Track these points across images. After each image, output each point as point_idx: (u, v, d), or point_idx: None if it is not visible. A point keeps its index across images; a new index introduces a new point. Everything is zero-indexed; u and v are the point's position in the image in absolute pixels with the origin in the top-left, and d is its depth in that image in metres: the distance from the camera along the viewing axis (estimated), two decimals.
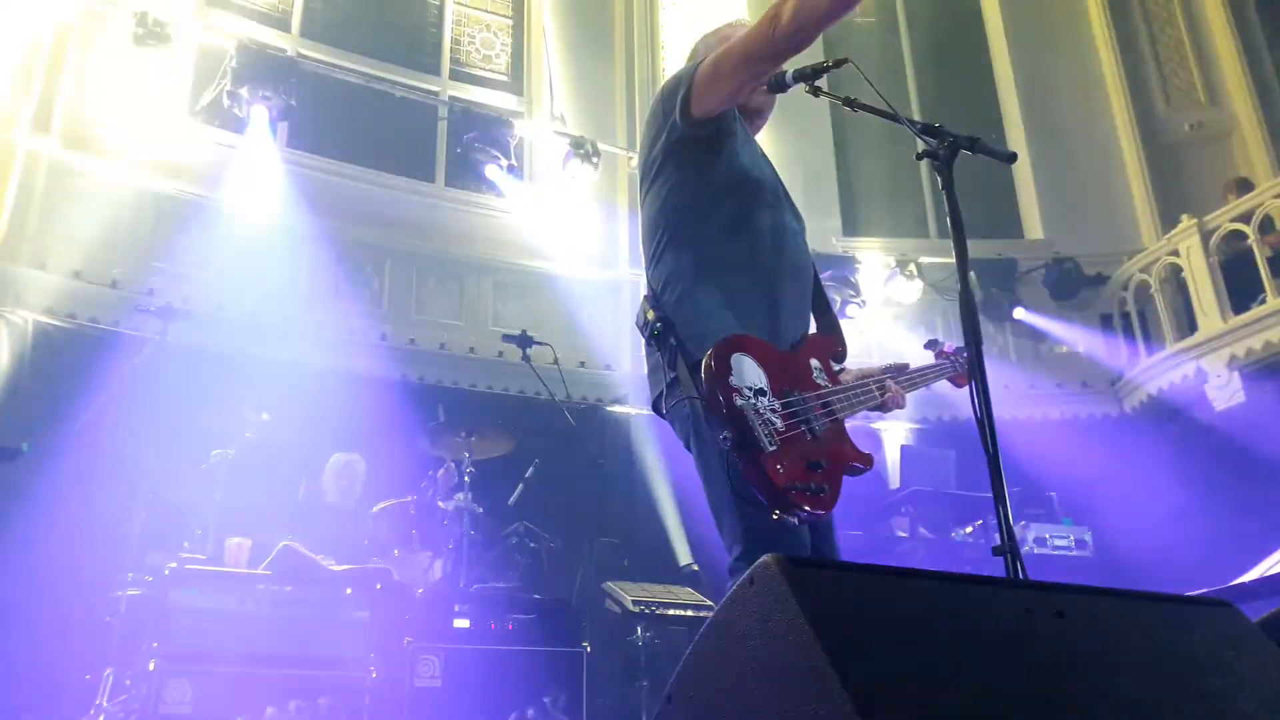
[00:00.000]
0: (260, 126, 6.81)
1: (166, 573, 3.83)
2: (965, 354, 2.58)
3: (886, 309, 8.17)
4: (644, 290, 2.29)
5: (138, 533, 4.33)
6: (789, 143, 7.47)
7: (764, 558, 1.29)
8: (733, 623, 1.35)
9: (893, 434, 7.58)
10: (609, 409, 7.57)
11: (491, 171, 7.56)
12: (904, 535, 5.69)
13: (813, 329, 2.35)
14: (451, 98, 8.35)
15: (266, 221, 6.65)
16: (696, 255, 2.16)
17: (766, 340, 2.06)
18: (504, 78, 8.78)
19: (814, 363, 2.17)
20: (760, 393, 1.93)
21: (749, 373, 1.95)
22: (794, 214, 2.33)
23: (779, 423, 1.92)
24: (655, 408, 2.22)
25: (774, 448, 1.88)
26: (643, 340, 2.22)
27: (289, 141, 7.27)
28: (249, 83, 6.77)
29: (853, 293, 8.01)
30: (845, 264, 8.15)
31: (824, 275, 7.96)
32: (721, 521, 2.08)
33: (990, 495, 1.94)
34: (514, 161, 7.75)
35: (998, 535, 1.98)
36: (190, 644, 3.68)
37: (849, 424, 2.16)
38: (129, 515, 4.42)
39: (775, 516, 1.89)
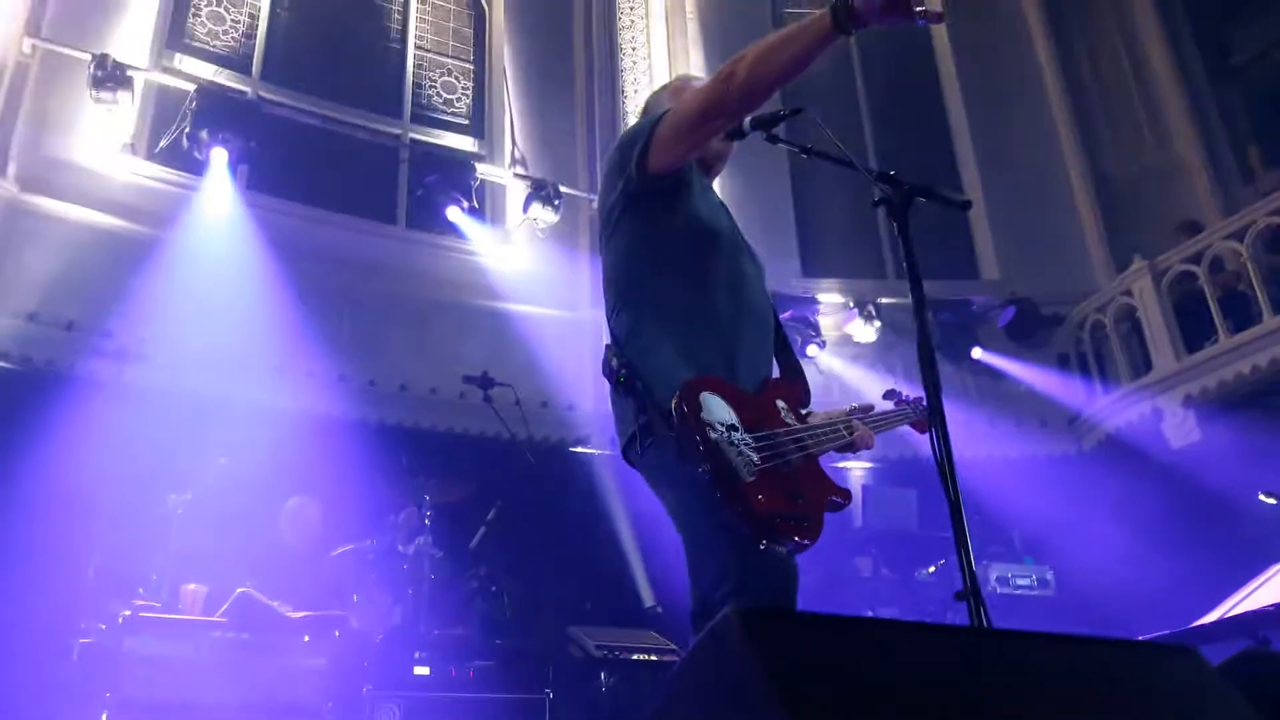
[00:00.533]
0: (220, 168, 6.77)
1: (120, 620, 3.73)
2: (924, 403, 2.62)
3: (845, 349, 8.25)
4: (605, 337, 2.29)
5: (92, 578, 4.23)
6: (748, 185, 7.55)
7: (726, 610, 1.28)
8: (697, 674, 1.34)
9: (853, 473, 7.61)
10: (572, 449, 7.53)
11: (453, 213, 7.58)
12: (867, 576, 5.69)
13: (775, 373, 2.37)
14: (413, 140, 8.37)
15: (226, 263, 6.58)
16: (656, 307, 2.17)
17: (729, 382, 2.07)
18: (464, 121, 8.82)
19: (780, 403, 2.18)
20: (733, 428, 1.95)
21: (718, 410, 1.96)
22: (751, 259, 2.35)
23: (755, 456, 1.93)
24: (625, 455, 2.21)
25: (753, 479, 1.89)
26: (608, 386, 2.20)
27: (249, 183, 7.23)
28: (209, 125, 6.74)
29: (812, 332, 8.08)
30: (804, 304, 8.23)
31: (783, 315, 8.06)
32: (704, 561, 2.06)
33: (952, 536, 1.94)
34: (475, 204, 7.78)
35: (960, 576, 1.97)
36: (144, 693, 3.58)
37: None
38: (83, 560, 4.31)
39: (763, 546, 1.89)
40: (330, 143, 7.91)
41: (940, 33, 9.97)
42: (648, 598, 6.71)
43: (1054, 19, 9.76)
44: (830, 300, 8.49)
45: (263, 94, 7.75)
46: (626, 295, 2.22)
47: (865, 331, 8.23)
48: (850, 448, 2.35)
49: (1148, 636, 2.59)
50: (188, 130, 6.76)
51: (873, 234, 9.27)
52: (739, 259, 2.28)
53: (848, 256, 9.17)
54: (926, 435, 2.53)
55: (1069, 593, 5.91)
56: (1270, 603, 2.24)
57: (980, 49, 9.84)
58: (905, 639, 1.32)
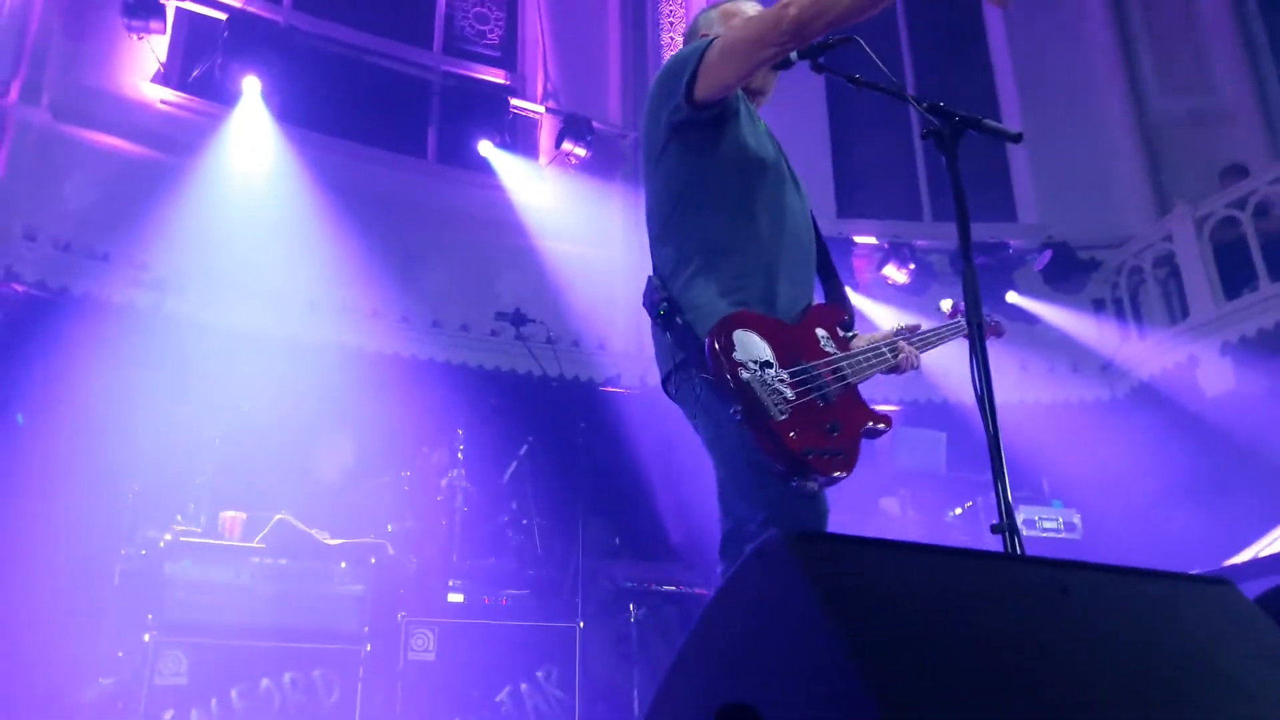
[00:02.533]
0: (252, 98, 6.74)
1: (161, 545, 3.83)
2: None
3: (879, 290, 8.18)
4: (648, 269, 2.29)
5: (131, 505, 4.33)
6: (784, 121, 7.37)
7: (770, 531, 1.30)
8: (740, 594, 1.36)
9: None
10: (602, 388, 7.57)
11: (484, 148, 7.52)
12: (895, 516, 5.72)
13: (819, 299, 2.36)
14: (444, 72, 8.29)
15: (260, 196, 6.60)
16: (699, 238, 2.16)
17: (769, 315, 2.09)
18: (497, 53, 8.71)
19: (820, 332, 2.18)
20: (766, 365, 1.96)
21: (753, 347, 1.98)
22: (796, 189, 2.33)
23: (788, 392, 1.95)
24: (664, 388, 2.23)
25: (785, 416, 1.91)
26: (648, 320, 2.22)
27: (281, 114, 7.20)
28: (241, 54, 6.70)
29: (847, 274, 8.03)
30: (839, 245, 8.15)
31: None
32: (737, 494, 2.11)
33: (980, 478, 1.96)
34: (507, 138, 7.71)
35: (988, 517, 1.98)
36: (185, 616, 3.69)
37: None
38: (123, 488, 4.41)
39: (794, 484, 1.92)
40: (362, 74, 7.85)
41: None
42: (676, 536, 6.79)
43: None
44: (865, 241, 8.40)
45: (295, 23, 7.69)
46: (670, 227, 2.22)
47: (899, 274, 8.16)
48: (896, 369, 2.35)
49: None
50: (220, 60, 6.73)
51: (910, 175, 9.13)
52: (783, 190, 2.26)
53: (884, 197, 9.03)
54: (954, 371, 2.53)
55: (1096, 537, 5.91)
56: None
57: None
58: (948, 563, 1.33)
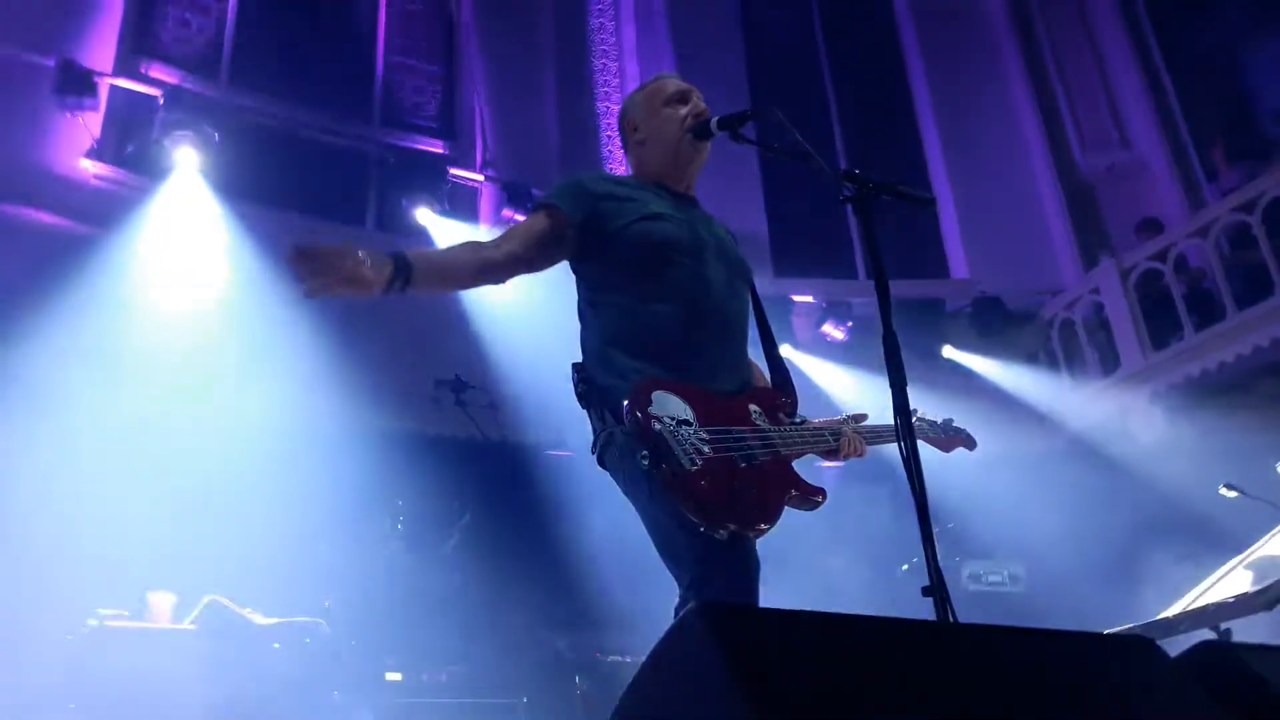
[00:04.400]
0: (188, 173, 6.69)
1: (85, 630, 3.68)
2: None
3: (818, 349, 8.28)
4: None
5: (56, 586, 4.17)
6: (719, 187, 7.50)
7: (691, 604, 1.29)
8: (662, 667, 1.34)
9: (828, 470, 7.63)
10: (548, 452, 7.50)
11: (422, 215, 7.52)
12: (842, 573, 5.72)
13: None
14: (383, 143, 8.32)
15: (196, 269, 6.51)
16: (610, 323, 2.25)
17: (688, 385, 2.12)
18: (435, 124, 8.78)
19: (753, 407, 2.21)
20: (684, 423, 1.99)
21: (671, 405, 2.02)
22: (723, 263, 2.36)
23: (705, 448, 1.97)
24: (600, 463, 2.26)
25: (695, 467, 1.92)
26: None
27: (218, 187, 7.14)
28: (176, 129, 6.66)
29: (785, 333, 8.12)
30: (778, 304, 8.27)
31: None
32: (666, 554, 2.10)
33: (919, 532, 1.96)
34: (446, 206, 7.73)
35: (927, 573, 1.98)
36: (110, 705, 3.53)
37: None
38: (49, 568, 4.25)
39: (701, 531, 1.91)
40: (299, 146, 7.85)
41: (909, 34, 10.07)
42: (625, 602, 6.69)
43: (1020, 21, 9.86)
44: (803, 300, 8.51)
45: (232, 98, 7.68)
46: (585, 318, 2.34)
47: (837, 332, 8.28)
48: (835, 453, 2.36)
49: (1114, 630, 2.62)
50: (155, 135, 6.68)
51: (845, 235, 9.32)
52: (701, 266, 2.30)
53: (820, 257, 9.21)
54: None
55: (1040, 588, 5.96)
56: (1229, 596, 2.27)
57: (948, 50, 9.93)
58: (867, 632, 1.33)
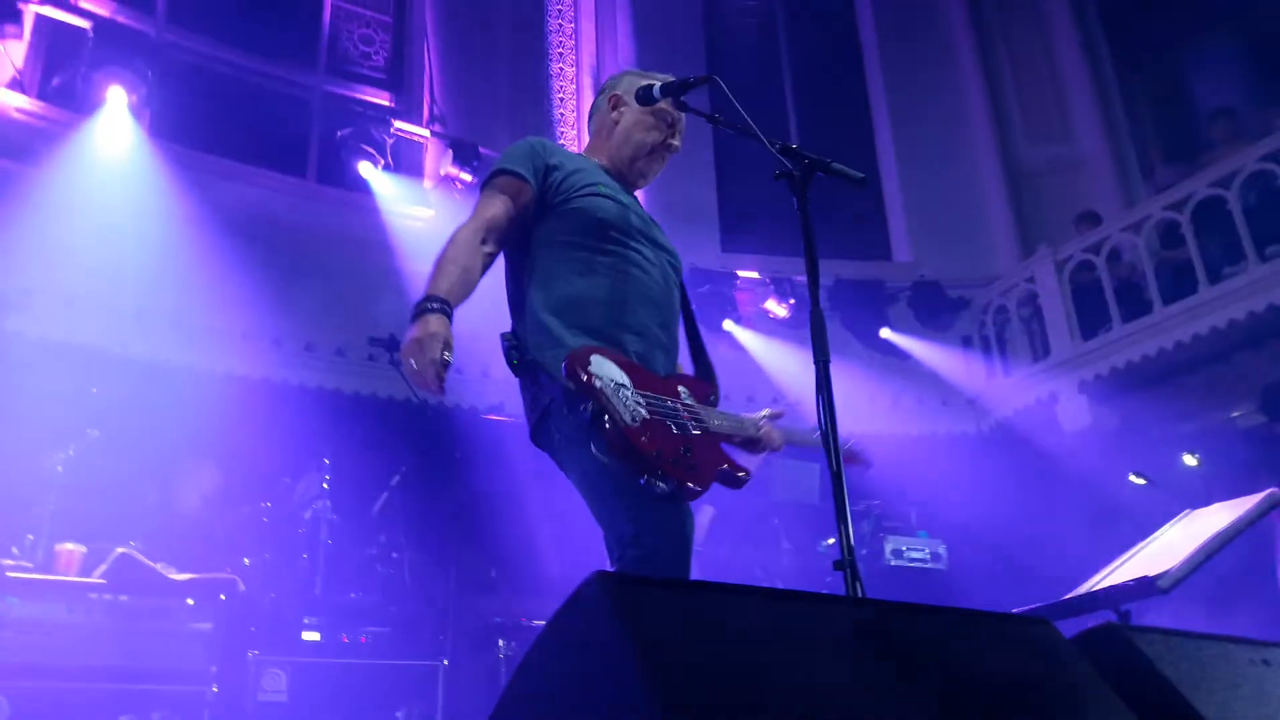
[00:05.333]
0: (118, 110, 6.45)
1: None
2: (852, 444, 2.69)
3: (761, 324, 8.32)
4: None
5: None
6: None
7: (591, 575, 1.28)
8: (560, 637, 1.33)
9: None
10: (485, 416, 7.44)
11: (365, 168, 7.36)
12: (770, 546, 5.79)
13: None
14: (326, 92, 8.11)
15: (122, 211, 6.28)
16: (550, 293, 2.24)
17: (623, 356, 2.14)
18: (382, 75, 8.58)
19: (682, 389, 2.25)
20: (622, 386, 2.02)
21: (609, 369, 2.04)
22: (654, 246, 2.38)
23: (642, 410, 2.01)
24: (534, 439, 2.26)
25: (636, 424, 1.96)
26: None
27: (151, 129, 6.91)
28: (107, 64, 6.41)
29: (729, 307, 8.15)
30: (722, 279, 8.28)
31: (702, 289, 8.13)
32: (606, 518, 2.11)
33: (855, 508, 1.98)
34: (390, 161, 7.57)
35: (859, 546, 2.01)
36: (9, 658, 3.43)
37: None
38: None
39: (644, 481, 1.94)
40: (238, 91, 7.61)
41: (866, 16, 10.09)
42: (554, 569, 6.70)
43: (975, 13, 9.94)
44: (748, 276, 8.54)
45: (168, 35, 7.41)
46: (519, 280, 2.33)
47: (780, 308, 8.32)
48: (754, 444, 2.40)
49: (1023, 609, 2.68)
50: (83, 69, 6.42)
51: (790, 213, 9.30)
52: (641, 248, 2.32)
53: (767, 234, 9.22)
54: (855, 467, 2.60)
55: (959, 566, 6.10)
56: (1131, 578, 2.34)
57: (904, 34, 9.98)
58: (771, 607, 1.32)
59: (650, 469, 1.95)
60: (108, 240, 6.12)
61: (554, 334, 2.16)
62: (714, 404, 2.35)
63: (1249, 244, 6.61)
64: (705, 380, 2.40)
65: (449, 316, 2.06)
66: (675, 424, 2.08)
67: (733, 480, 2.19)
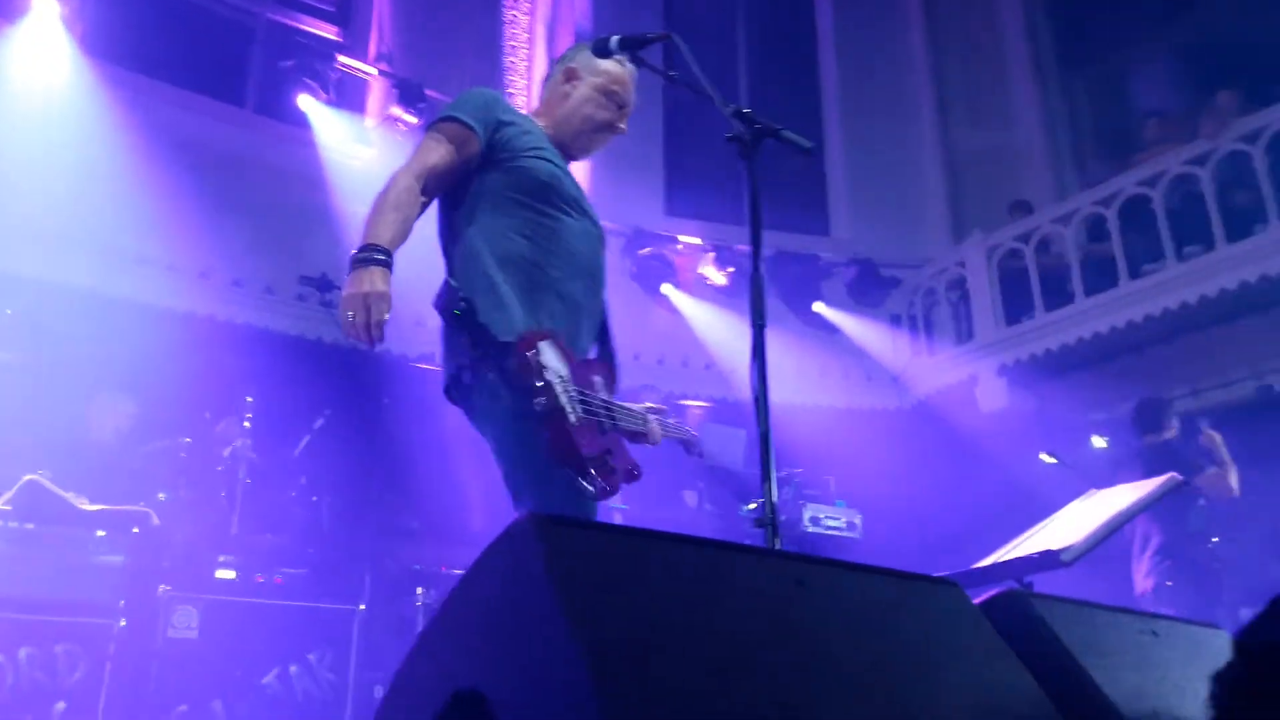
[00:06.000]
0: (47, 17, 6.15)
1: None
2: (697, 442, 2.71)
3: (698, 290, 8.37)
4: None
5: None
6: None
7: (523, 514, 1.29)
8: (483, 577, 1.34)
9: (692, 411, 7.79)
10: (414, 364, 7.37)
11: (305, 101, 7.13)
12: (691, 507, 5.87)
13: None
14: (270, 20, 7.85)
15: (48, 129, 6.02)
16: (493, 248, 2.22)
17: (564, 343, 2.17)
18: (329, 7, 8.33)
19: (596, 379, 2.29)
20: (564, 380, 2.06)
21: (554, 360, 2.06)
22: (586, 218, 2.40)
23: (580, 407, 2.06)
24: (448, 391, 2.24)
25: (578, 423, 2.02)
26: (440, 320, 2.22)
27: (83, 45, 6.60)
28: None
29: (670, 271, 8.18)
30: (663, 242, 8.30)
31: (641, 252, 8.13)
32: (525, 489, 2.13)
33: (777, 474, 2.03)
34: (333, 96, 7.36)
35: (779, 512, 2.05)
36: None
37: None
38: None
39: (578, 484, 2.00)
40: (177, 11, 7.32)
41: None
42: (477, 523, 6.69)
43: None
44: (690, 241, 8.56)
45: None
46: (461, 230, 2.29)
47: (719, 276, 8.38)
48: (642, 437, 2.44)
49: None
50: None
51: (736, 181, 9.38)
52: (580, 217, 2.35)
53: (712, 200, 9.24)
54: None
55: (874, 536, 6.27)
56: (1034, 551, 2.45)
57: (858, 13, 10.03)
58: (695, 554, 1.36)
59: (584, 471, 1.99)
60: (29, 157, 5.86)
61: (500, 295, 2.15)
62: (613, 390, 2.38)
63: (1169, 243, 6.85)
64: (610, 366, 2.42)
65: (390, 269, 2.06)
66: (598, 422, 2.14)
67: (632, 478, 2.23)
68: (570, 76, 2.50)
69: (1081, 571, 2.47)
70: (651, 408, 2.52)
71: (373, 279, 2.01)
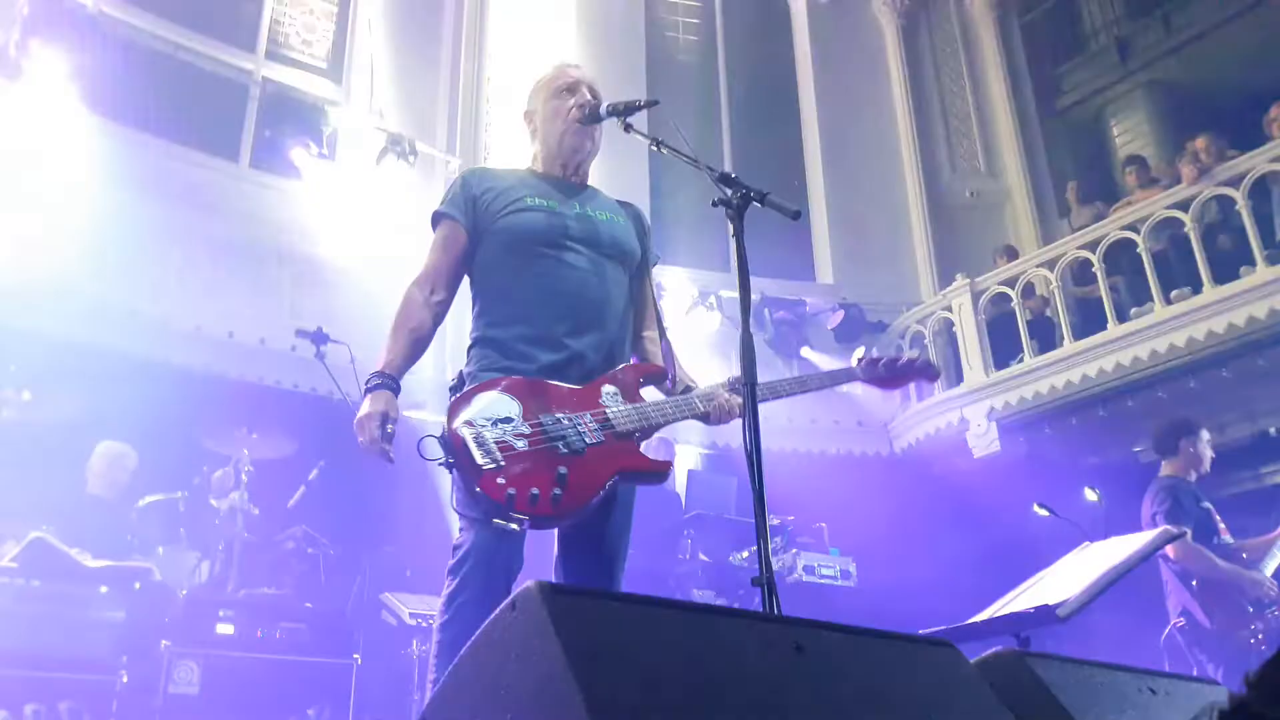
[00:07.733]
0: (51, 81, 6.25)
1: None
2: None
3: (687, 336, 8.44)
4: (468, 298, 2.54)
5: None
6: (607, 170, 7.52)
7: (527, 584, 1.34)
8: (491, 645, 1.38)
9: (684, 459, 7.83)
10: (406, 414, 7.39)
11: (298, 155, 7.24)
12: (684, 558, 5.88)
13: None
14: (265, 78, 7.99)
15: (49, 185, 6.10)
16: (480, 315, 2.43)
17: (544, 378, 2.24)
18: (323, 64, 8.48)
19: (608, 388, 2.29)
20: (504, 420, 2.11)
21: (494, 406, 2.14)
22: (593, 250, 2.45)
23: (519, 443, 2.08)
24: None
25: (492, 465, 2.03)
26: (461, 345, 2.47)
27: (83, 101, 6.70)
28: (40, 35, 6.22)
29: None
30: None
31: None
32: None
33: (769, 523, 2.06)
34: (325, 151, 7.48)
35: (759, 564, 2.08)
36: None
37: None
38: None
39: (496, 524, 2.03)
40: (175, 69, 7.44)
41: (804, 47, 10.32)
42: None
43: (910, 48, 10.28)
44: (676, 289, 8.65)
45: (104, 9, 7.21)
46: (474, 308, 2.47)
47: (707, 321, 8.46)
48: (705, 418, 2.37)
49: (928, 630, 2.81)
50: (17, 38, 6.21)
51: (720, 229, 9.50)
52: (562, 255, 2.41)
53: (697, 248, 9.36)
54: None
55: (869, 585, 6.28)
56: (1030, 606, 2.48)
57: (840, 67, 10.24)
58: (695, 621, 1.40)
59: (500, 514, 2.03)
60: (32, 216, 5.93)
61: (472, 358, 2.37)
62: (660, 382, 2.43)
63: (1155, 287, 6.97)
64: (647, 361, 2.51)
65: (394, 390, 2.24)
66: (563, 443, 2.12)
67: (653, 479, 2.27)
68: (530, 119, 2.64)
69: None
70: (735, 378, 2.37)
71: (372, 402, 2.20)
